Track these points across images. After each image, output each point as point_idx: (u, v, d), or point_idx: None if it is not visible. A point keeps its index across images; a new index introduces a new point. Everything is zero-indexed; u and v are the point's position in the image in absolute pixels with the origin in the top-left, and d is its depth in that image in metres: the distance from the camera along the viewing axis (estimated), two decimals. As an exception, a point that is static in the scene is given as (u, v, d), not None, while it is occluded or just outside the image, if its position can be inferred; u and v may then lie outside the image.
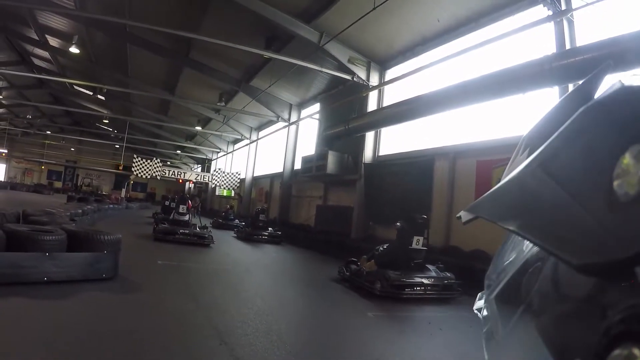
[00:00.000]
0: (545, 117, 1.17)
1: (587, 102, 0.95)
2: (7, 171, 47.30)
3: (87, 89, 23.35)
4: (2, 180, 44.15)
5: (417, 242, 6.31)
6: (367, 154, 12.45)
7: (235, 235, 14.28)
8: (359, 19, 9.12)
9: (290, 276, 7.86)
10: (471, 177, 8.71)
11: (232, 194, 24.35)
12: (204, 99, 20.54)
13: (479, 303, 1.58)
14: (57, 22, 17.07)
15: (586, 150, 0.85)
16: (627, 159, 0.71)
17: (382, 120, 10.93)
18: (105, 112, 28.90)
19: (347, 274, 6.92)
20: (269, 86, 15.29)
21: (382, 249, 6.79)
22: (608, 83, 0.95)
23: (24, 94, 30.11)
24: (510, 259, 1.37)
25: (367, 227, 12.01)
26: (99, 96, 22.90)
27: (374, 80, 12.31)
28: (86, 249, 4.89)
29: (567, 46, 7.14)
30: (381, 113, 11.26)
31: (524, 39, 7.94)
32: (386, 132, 12.37)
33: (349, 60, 11.90)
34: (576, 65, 6.14)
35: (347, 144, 12.85)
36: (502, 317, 1.25)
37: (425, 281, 6.10)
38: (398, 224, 6.70)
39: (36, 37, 18.76)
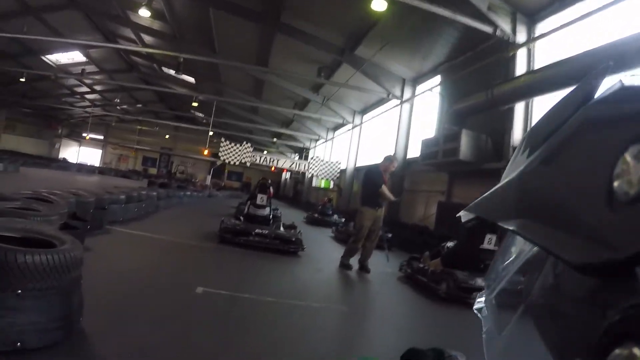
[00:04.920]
0: (546, 117, 1.17)
1: (587, 102, 0.96)
2: (103, 157, 47.37)
3: (171, 64, 20.53)
4: (98, 165, 43.73)
5: (489, 242, 5.51)
6: (516, 136, 8.82)
7: (334, 235, 11.57)
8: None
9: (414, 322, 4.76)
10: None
11: (331, 186, 21.86)
12: (301, 75, 17.40)
13: (479, 303, 1.59)
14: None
15: (586, 150, 0.85)
16: (627, 158, 0.71)
17: (543, 85, 7.74)
18: (195, 94, 26.18)
19: (409, 271, 6.44)
20: (380, 49, 12.50)
21: (447, 246, 6.11)
22: (608, 83, 0.95)
23: (114, 77, 29.16)
24: (510, 259, 1.37)
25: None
26: (186, 76, 20.53)
27: (521, 36, 8.98)
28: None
29: None
30: (542, 73, 7.82)
31: None
32: (538, 105, 8.87)
33: (488, 8, 8.66)
34: None
35: (483, 122, 9.65)
36: (502, 317, 1.25)
37: None
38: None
39: (117, 13, 17.90)
